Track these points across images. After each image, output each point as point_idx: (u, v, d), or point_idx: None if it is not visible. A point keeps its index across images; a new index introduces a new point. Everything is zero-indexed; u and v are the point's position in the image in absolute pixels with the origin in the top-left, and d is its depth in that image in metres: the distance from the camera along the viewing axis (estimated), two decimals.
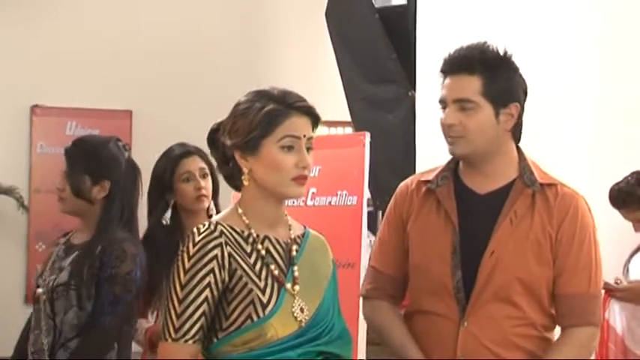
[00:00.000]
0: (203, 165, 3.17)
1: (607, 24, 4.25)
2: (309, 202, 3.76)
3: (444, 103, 2.37)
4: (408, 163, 4.62)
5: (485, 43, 2.38)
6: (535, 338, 2.34)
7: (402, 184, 2.54)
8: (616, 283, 4.01)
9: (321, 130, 6.57)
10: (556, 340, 2.37)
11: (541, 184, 2.36)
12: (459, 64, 2.35)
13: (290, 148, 2.06)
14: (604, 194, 4.09)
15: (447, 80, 2.37)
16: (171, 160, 3.18)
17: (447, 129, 2.35)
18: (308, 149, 2.10)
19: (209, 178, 3.17)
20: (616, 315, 4.03)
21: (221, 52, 7.23)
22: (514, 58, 2.40)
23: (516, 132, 2.41)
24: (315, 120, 2.12)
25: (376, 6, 5.33)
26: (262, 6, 7.47)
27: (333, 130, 7.00)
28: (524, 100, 2.41)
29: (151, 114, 7.14)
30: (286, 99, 2.09)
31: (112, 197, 2.81)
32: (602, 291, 3.83)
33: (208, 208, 3.18)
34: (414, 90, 4.95)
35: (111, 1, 7.21)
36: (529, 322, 2.32)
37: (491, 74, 2.32)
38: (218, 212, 2.82)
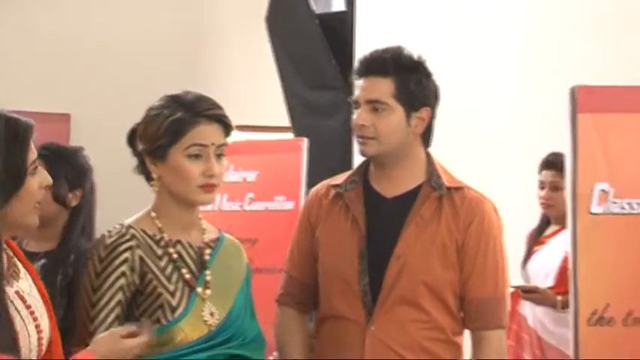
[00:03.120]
0: None
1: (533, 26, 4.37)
2: (247, 207, 3.77)
3: (356, 103, 2.39)
4: (346, 169, 4.63)
5: (399, 47, 2.40)
6: (442, 342, 2.36)
7: (313, 189, 2.56)
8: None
9: (262, 136, 6.56)
10: (473, 350, 2.40)
11: (448, 188, 2.38)
12: (373, 66, 2.38)
13: (197, 156, 2.06)
14: (523, 197, 4.15)
15: (362, 81, 2.39)
16: None
17: (359, 129, 2.37)
18: (219, 156, 2.09)
19: None
20: (527, 309, 4.06)
21: (162, 55, 7.17)
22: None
23: (426, 136, 2.43)
24: (227, 127, 2.12)
25: (316, 12, 5.35)
26: (203, 9, 7.44)
27: (274, 136, 7.00)
28: (436, 106, 2.43)
29: (90, 117, 7.04)
30: (196, 106, 2.07)
31: (80, 207, 2.79)
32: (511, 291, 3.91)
33: None
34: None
35: (49, 3, 7.11)
36: (436, 326, 2.35)
37: (404, 77, 2.35)
38: None
